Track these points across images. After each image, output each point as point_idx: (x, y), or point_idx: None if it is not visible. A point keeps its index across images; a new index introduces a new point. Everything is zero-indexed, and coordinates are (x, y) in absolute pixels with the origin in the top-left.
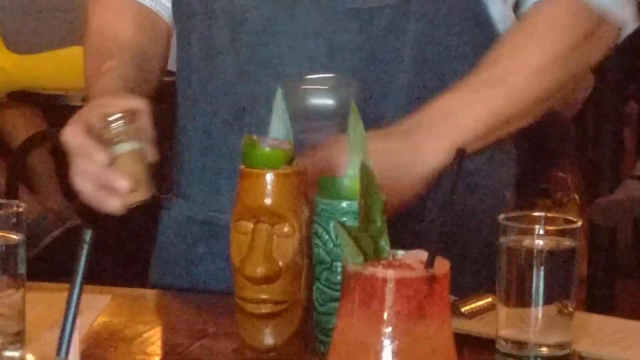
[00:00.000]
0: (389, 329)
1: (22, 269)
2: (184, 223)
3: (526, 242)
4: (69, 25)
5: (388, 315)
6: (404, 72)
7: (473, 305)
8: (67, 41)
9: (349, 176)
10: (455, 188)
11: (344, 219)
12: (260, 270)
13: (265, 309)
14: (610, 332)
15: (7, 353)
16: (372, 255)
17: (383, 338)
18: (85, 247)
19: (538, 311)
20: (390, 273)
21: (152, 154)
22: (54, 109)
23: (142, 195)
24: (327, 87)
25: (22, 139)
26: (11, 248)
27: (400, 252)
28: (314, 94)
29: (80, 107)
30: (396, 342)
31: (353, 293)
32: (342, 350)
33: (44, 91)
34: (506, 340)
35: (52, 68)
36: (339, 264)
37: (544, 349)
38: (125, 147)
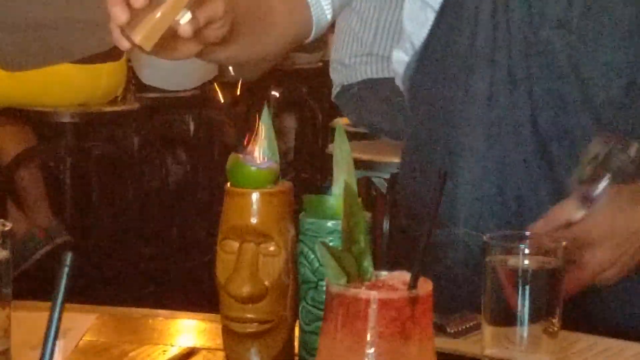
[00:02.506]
0: (372, 350)
1: (7, 288)
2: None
3: (511, 261)
4: (59, 42)
5: (371, 336)
6: None
7: (459, 325)
8: (57, 58)
9: (335, 195)
10: (437, 211)
11: (330, 238)
12: (246, 290)
13: (251, 328)
14: (596, 352)
15: None
16: (356, 276)
17: (366, 358)
18: (66, 270)
19: (523, 330)
20: (374, 294)
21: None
22: (43, 125)
23: (144, 40)
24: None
25: (11, 155)
26: None
27: (384, 273)
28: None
29: (70, 123)
30: None
31: (336, 313)
32: None
33: (33, 108)
34: None
35: (42, 85)
36: (324, 283)
37: None
38: None
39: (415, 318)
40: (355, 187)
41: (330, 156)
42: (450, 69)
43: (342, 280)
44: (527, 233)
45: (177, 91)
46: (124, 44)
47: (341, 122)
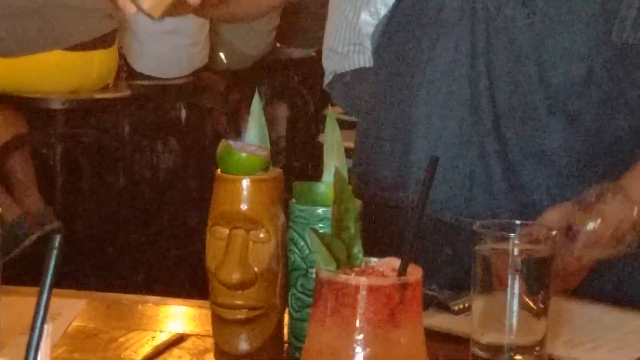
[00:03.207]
0: (361, 336)
1: None
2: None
3: (501, 249)
4: (51, 29)
5: (360, 322)
6: None
7: (462, 302)
8: (48, 45)
9: (325, 182)
10: (426, 197)
11: (320, 225)
12: (235, 276)
13: (240, 315)
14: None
15: None
16: (345, 262)
17: (355, 345)
18: (55, 253)
19: (513, 317)
20: (363, 280)
21: None
22: (34, 112)
23: (154, 7)
24: None
25: (1, 142)
26: None
27: (373, 260)
28: None
29: (61, 110)
30: (368, 349)
31: (325, 300)
32: (314, 356)
33: (24, 94)
34: (480, 346)
35: (33, 72)
36: (314, 270)
37: (519, 357)
38: None
39: (405, 304)
40: (346, 174)
41: (322, 145)
42: (415, 37)
43: (331, 266)
44: (518, 222)
45: (169, 79)
46: (131, 9)
47: (333, 111)
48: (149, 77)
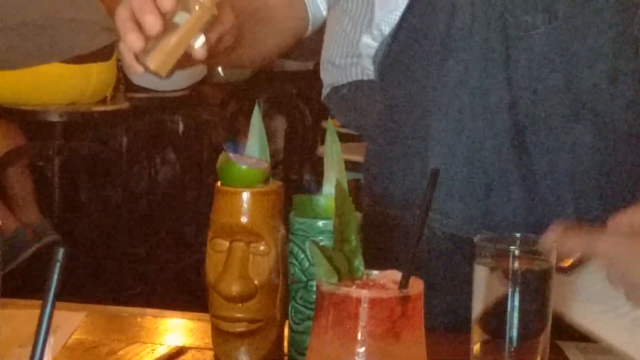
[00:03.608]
0: (362, 349)
1: None
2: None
3: (502, 263)
4: (49, 41)
5: (362, 335)
6: None
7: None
8: (47, 57)
9: (325, 195)
10: (428, 210)
11: (320, 237)
12: (235, 289)
13: (240, 328)
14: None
15: None
16: (347, 275)
17: (357, 358)
18: (58, 265)
19: (513, 334)
20: (365, 293)
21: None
22: (33, 124)
23: (160, 67)
24: None
25: None
26: None
27: (375, 272)
28: None
29: (59, 123)
30: None
31: (327, 312)
32: None
33: (22, 107)
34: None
35: (32, 84)
36: (314, 282)
37: None
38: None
39: (406, 317)
40: (345, 186)
41: (320, 158)
42: (423, 54)
43: (333, 279)
44: (518, 235)
45: (167, 91)
46: (138, 70)
47: (331, 123)
48: (146, 90)
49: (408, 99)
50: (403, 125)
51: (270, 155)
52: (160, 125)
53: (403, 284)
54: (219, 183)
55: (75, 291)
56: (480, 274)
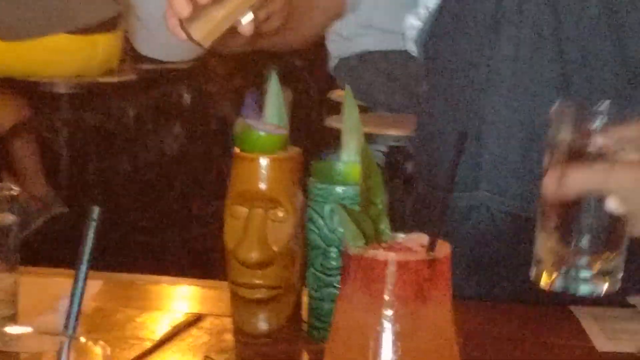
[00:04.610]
0: (389, 312)
1: (15, 253)
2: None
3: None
4: (56, 12)
5: (389, 298)
6: None
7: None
8: (54, 27)
9: (344, 161)
10: (456, 172)
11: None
12: (254, 255)
13: (259, 294)
14: None
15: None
16: (373, 238)
17: (384, 321)
18: (93, 225)
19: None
20: (392, 256)
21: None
22: (39, 96)
23: (204, 37)
24: None
25: (6, 127)
26: (5, 230)
27: (401, 235)
28: None
29: (66, 94)
30: (397, 325)
31: (354, 276)
32: (343, 332)
33: (29, 78)
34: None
35: (38, 55)
36: (333, 249)
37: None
38: None
39: (434, 280)
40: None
41: (327, 129)
42: (472, 31)
43: (359, 242)
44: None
45: (174, 63)
46: (181, 36)
47: (337, 95)
48: (153, 61)
49: (457, 79)
50: (454, 105)
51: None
52: (166, 97)
53: (431, 247)
54: (237, 149)
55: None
56: (556, 149)
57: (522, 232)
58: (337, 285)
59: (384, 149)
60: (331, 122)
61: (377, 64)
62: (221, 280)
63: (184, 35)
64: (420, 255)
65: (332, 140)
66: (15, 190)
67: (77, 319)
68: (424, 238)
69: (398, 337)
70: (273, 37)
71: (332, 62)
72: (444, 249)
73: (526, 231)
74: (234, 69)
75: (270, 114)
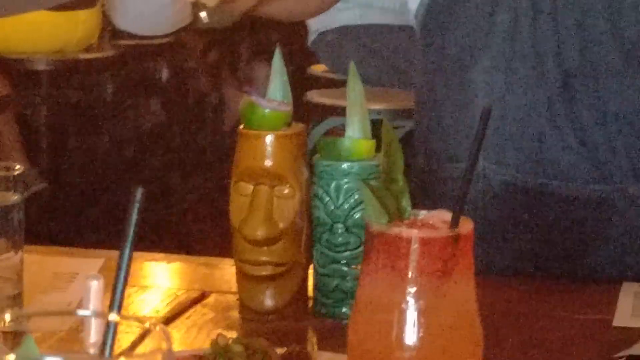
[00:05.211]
0: (413, 289)
1: (20, 232)
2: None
3: None
4: None
5: (413, 275)
6: None
7: None
8: (33, 5)
9: (349, 137)
10: (479, 149)
11: (345, 180)
12: (260, 232)
13: (265, 271)
14: None
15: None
16: (395, 215)
17: (408, 297)
18: (137, 206)
19: None
20: (415, 233)
21: None
22: (19, 73)
23: None
24: None
25: None
26: (9, 209)
27: (422, 212)
28: None
29: (45, 71)
30: (420, 301)
31: (377, 253)
32: (366, 309)
33: (8, 55)
34: None
35: (18, 32)
36: (339, 225)
37: None
38: None
39: (457, 256)
40: (369, 129)
41: (307, 103)
42: (470, 6)
43: (383, 219)
44: None
45: (152, 38)
46: None
47: (316, 70)
48: (132, 37)
49: (455, 53)
50: (452, 78)
51: None
52: (145, 73)
53: (454, 223)
54: (241, 126)
55: (61, 237)
56: None
57: (522, 201)
58: (344, 262)
59: None
60: (311, 96)
61: (358, 38)
62: (204, 256)
63: None
64: (443, 231)
65: (313, 114)
66: (18, 168)
67: (121, 302)
68: (445, 215)
69: (422, 313)
70: (275, 2)
71: (311, 37)
72: (466, 225)
73: (525, 200)
74: (210, 43)
75: (274, 90)
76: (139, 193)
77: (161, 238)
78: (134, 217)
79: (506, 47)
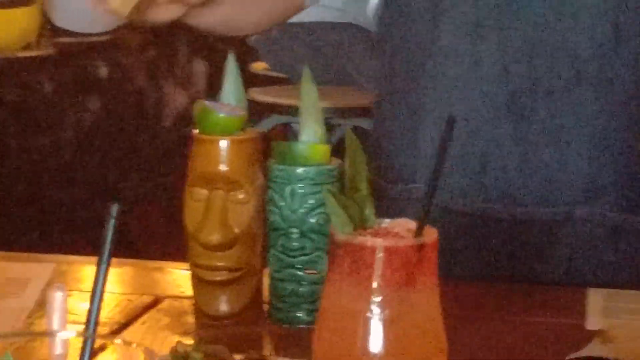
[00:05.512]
0: (378, 297)
1: None
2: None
3: None
4: None
5: (377, 284)
6: None
7: None
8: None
9: (304, 142)
10: (444, 157)
11: (300, 185)
12: (215, 237)
13: (220, 276)
14: None
15: None
16: (360, 223)
17: (372, 306)
18: (112, 222)
19: None
20: (380, 241)
21: None
22: None
23: (121, 4)
24: None
25: None
26: None
27: (387, 220)
28: None
29: None
30: (385, 310)
31: (342, 261)
32: (331, 318)
33: None
34: None
35: None
36: (294, 230)
37: None
38: None
39: (422, 265)
40: (324, 134)
41: (248, 101)
42: (413, 20)
43: (348, 228)
44: None
45: (91, 35)
46: (99, 7)
47: (257, 67)
48: (71, 34)
49: (401, 68)
50: (398, 96)
51: (190, 99)
52: (84, 71)
53: (418, 232)
54: (196, 131)
55: (10, 240)
56: None
57: (465, 226)
58: (299, 266)
59: None
60: (252, 94)
61: (300, 36)
62: (148, 255)
63: (103, 7)
64: (408, 240)
65: (254, 112)
66: None
67: (97, 319)
68: (409, 223)
69: (387, 322)
70: (214, 11)
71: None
72: (431, 233)
73: (469, 225)
74: (148, 40)
75: (228, 95)
76: (114, 209)
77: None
78: (110, 233)
79: (448, 66)
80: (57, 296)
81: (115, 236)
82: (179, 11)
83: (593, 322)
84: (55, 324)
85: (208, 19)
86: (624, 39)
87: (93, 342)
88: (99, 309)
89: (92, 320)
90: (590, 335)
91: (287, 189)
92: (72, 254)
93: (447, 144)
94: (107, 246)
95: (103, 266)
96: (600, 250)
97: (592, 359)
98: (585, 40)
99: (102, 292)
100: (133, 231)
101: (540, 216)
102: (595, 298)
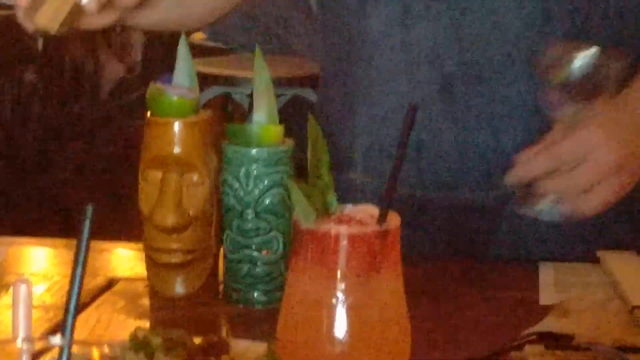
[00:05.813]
0: (342, 284)
1: None
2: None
3: None
4: None
5: (341, 271)
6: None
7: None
8: None
9: (257, 122)
10: (406, 145)
11: (254, 166)
12: (170, 220)
13: (175, 259)
14: None
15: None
16: (322, 210)
17: (337, 292)
18: (87, 224)
19: None
20: (344, 229)
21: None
22: None
23: (48, 23)
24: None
25: None
26: None
27: (348, 206)
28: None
29: None
30: (350, 297)
31: (306, 249)
32: (296, 305)
33: None
34: None
35: None
36: (249, 211)
37: None
38: None
39: (385, 252)
40: (276, 114)
41: None
42: (345, 8)
43: (311, 216)
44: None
45: None
46: (29, 26)
47: (195, 37)
48: (5, 7)
49: (338, 51)
50: (334, 81)
51: (127, 69)
52: (20, 43)
53: (381, 219)
54: (148, 114)
55: None
56: None
57: (404, 213)
58: (254, 247)
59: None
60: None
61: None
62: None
63: (32, 26)
64: (371, 227)
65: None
66: None
67: (73, 326)
68: (371, 209)
69: (352, 308)
70: (150, 13)
71: None
72: (394, 220)
73: (409, 211)
74: None
75: (181, 76)
76: (89, 210)
77: (42, 213)
78: (85, 235)
79: (377, 53)
80: (22, 289)
81: (90, 238)
82: (112, 16)
83: (546, 297)
84: (21, 319)
85: (147, 20)
86: (553, 17)
87: (70, 348)
88: (75, 315)
89: (68, 325)
90: (545, 310)
91: (241, 171)
92: (12, 230)
93: (409, 132)
94: (83, 248)
95: (79, 269)
96: (543, 228)
97: (547, 334)
98: (513, 20)
99: (78, 296)
100: (75, 204)
101: (480, 201)
102: (547, 272)
